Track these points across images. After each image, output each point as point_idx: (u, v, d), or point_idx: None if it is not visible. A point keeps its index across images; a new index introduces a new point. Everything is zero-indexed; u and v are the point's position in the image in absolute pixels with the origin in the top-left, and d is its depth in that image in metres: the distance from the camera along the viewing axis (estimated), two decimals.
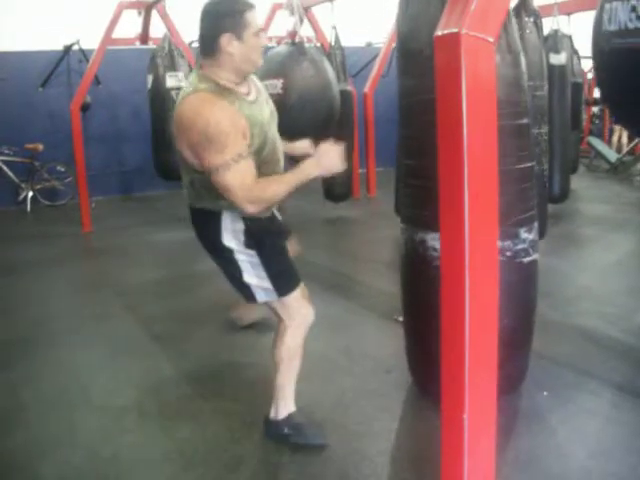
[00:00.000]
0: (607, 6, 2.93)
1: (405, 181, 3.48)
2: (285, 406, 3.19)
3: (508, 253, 3.22)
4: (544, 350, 3.88)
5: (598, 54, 3.18)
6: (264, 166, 2.79)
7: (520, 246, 3.26)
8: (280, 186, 2.71)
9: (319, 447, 3.14)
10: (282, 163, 2.99)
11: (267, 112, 2.89)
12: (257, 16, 2.71)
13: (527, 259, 3.32)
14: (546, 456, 3.03)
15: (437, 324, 2.05)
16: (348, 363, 4.13)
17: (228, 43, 2.63)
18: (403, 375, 3.78)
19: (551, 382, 3.69)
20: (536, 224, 3.39)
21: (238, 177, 2.59)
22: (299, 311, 3.06)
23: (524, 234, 3.27)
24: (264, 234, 2.93)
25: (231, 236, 2.87)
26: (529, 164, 3.31)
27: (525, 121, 3.27)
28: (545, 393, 3.58)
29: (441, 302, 2.00)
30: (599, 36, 3.07)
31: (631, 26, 2.76)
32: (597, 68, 3.32)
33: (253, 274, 2.92)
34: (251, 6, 2.69)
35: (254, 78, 2.93)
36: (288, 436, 3.18)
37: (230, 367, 4.12)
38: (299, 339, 3.09)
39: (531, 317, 3.53)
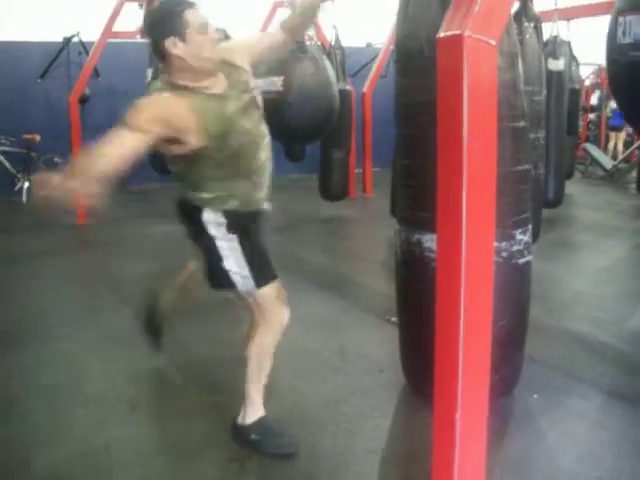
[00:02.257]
0: (621, 19, 2.96)
1: (402, 181, 3.49)
2: (253, 410, 3.12)
3: (504, 254, 3.24)
4: (535, 353, 3.89)
5: (613, 66, 3.21)
6: (236, 160, 2.83)
7: (516, 247, 3.29)
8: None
9: (286, 457, 3.08)
10: (263, 161, 2.97)
11: (235, 105, 2.84)
12: (198, 12, 2.69)
13: (522, 260, 3.35)
14: (535, 458, 3.05)
15: (433, 325, 2.06)
16: (341, 362, 4.15)
17: (173, 46, 2.65)
18: (396, 375, 3.79)
19: (542, 385, 3.71)
20: (530, 226, 3.42)
21: (110, 138, 2.51)
22: (271, 312, 3.03)
23: (520, 235, 3.30)
24: (244, 226, 2.94)
25: (213, 222, 2.88)
26: (526, 166, 3.33)
27: (522, 124, 3.28)
28: (535, 396, 3.60)
29: (436, 302, 2.02)
30: (613, 48, 3.10)
31: None
32: (612, 80, 3.35)
33: (232, 260, 2.90)
34: (190, 5, 2.69)
35: (221, 76, 2.88)
36: (255, 443, 3.11)
37: (224, 361, 4.12)
38: (270, 340, 3.05)
39: (525, 318, 3.55)
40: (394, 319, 4.22)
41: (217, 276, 3.00)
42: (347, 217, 9.31)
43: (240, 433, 3.15)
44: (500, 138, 3.05)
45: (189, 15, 2.65)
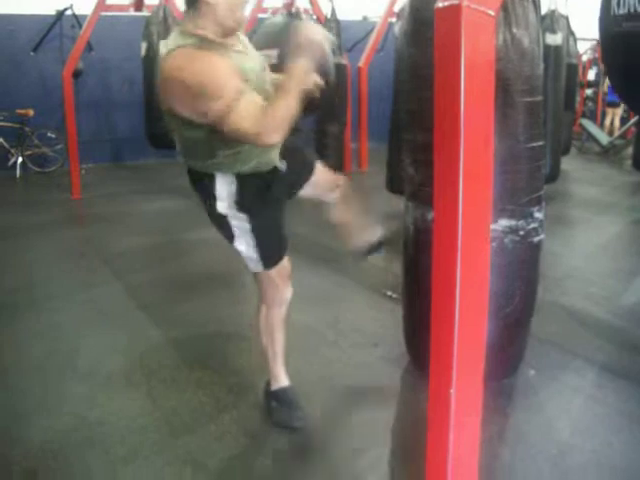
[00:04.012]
0: None
1: (414, 157, 3.37)
2: (275, 380, 3.20)
3: (521, 232, 3.17)
4: (531, 328, 3.90)
5: (606, 38, 3.17)
6: None
7: (532, 225, 3.21)
8: (285, 101, 2.51)
9: (295, 429, 3.10)
10: None
11: (259, 64, 2.81)
12: None
13: (537, 238, 3.28)
14: (530, 432, 3.06)
15: None
16: (335, 336, 4.14)
17: None
18: (391, 349, 3.80)
19: (537, 360, 3.71)
20: (544, 204, 3.33)
21: (244, 115, 2.45)
22: (274, 291, 3.04)
23: (536, 213, 3.22)
24: (256, 198, 2.84)
25: (225, 200, 2.79)
26: (541, 142, 3.23)
27: (539, 98, 3.21)
28: (532, 371, 3.61)
29: (432, 277, 2.00)
30: (608, 20, 3.05)
31: None
32: (605, 52, 3.31)
33: (243, 241, 2.87)
34: None
35: (243, 38, 2.80)
36: (272, 410, 3.19)
37: (218, 336, 4.13)
38: (274, 316, 3.08)
39: (535, 297, 3.52)
40: (390, 293, 4.22)
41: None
42: None
43: (266, 398, 3.27)
44: (518, 113, 2.98)
45: None
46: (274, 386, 3.21)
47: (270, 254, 2.94)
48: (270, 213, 2.95)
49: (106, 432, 3.11)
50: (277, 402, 3.18)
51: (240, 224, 2.84)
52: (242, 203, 2.80)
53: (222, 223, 2.88)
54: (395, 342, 3.74)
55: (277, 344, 3.13)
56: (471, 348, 2.00)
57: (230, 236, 2.90)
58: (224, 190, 2.78)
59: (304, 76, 2.60)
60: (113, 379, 3.63)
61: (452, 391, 1.96)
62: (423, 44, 3.22)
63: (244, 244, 2.88)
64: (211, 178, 2.78)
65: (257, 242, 2.87)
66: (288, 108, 2.50)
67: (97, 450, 2.98)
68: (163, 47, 2.67)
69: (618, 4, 2.89)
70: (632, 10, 2.79)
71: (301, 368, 3.66)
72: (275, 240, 2.98)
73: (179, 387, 3.54)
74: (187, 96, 2.47)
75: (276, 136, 2.50)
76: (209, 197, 2.82)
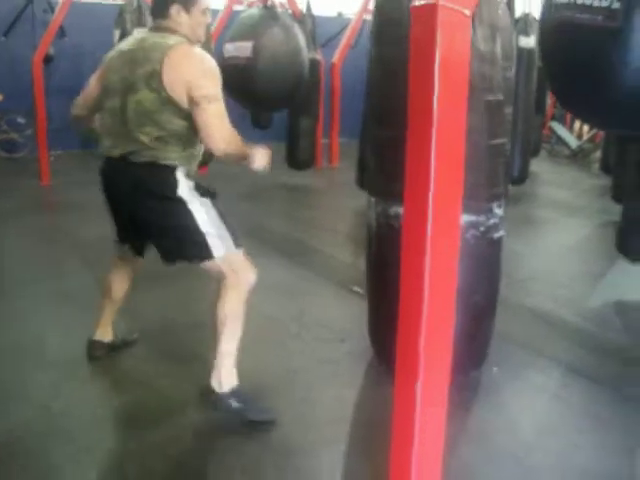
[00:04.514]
0: None
1: (379, 152, 3.39)
2: (229, 377, 3.09)
3: (482, 228, 3.21)
4: (496, 328, 3.93)
5: (544, 28, 3.20)
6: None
7: (492, 221, 3.25)
8: (239, 148, 2.92)
9: (268, 423, 3.08)
10: None
11: None
12: None
13: (497, 234, 3.33)
14: (495, 430, 3.10)
15: None
16: (301, 330, 4.15)
17: (177, 13, 3.01)
18: (357, 344, 3.81)
19: (501, 359, 3.74)
20: (504, 200, 3.39)
21: (222, 112, 2.87)
22: (242, 273, 3.07)
23: (496, 209, 3.27)
24: (208, 189, 3.11)
25: (185, 187, 3.01)
26: (502, 140, 3.29)
27: (499, 97, 3.25)
28: (495, 369, 3.64)
29: (401, 272, 2.01)
30: (548, 8, 3.08)
31: (579, 1, 2.79)
32: (542, 45, 3.34)
33: (209, 223, 3.00)
34: None
35: None
36: (237, 410, 3.08)
37: (184, 327, 4.12)
38: (241, 301, 3.05)
39: (497, 293, 3.56)
40: (356, 288, 4.23)
41: (189, 244, 3.02)
42: (312, 186, 9.30)
43: (220, 400, 3.10)
44: (477, 111, 3.02)
45: None
46: (229, 384, 3.08)
47: (236, 231, 3.10)
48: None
49: (70, 422, 3.09)
50: (240, 401, 3.08)
51: (203, 208, 3.03)
52: (202, 191, 3.07)
53: (181, 211, 3.00)
54: (360, 337, 3.75)
55: (236, 337, 3.07)
56: (438, 342, 2.01)
57: (192, 222, 2.99)
58: (184, 180, 3.03)
59: (259, 159, 2.96)
60: (78, 369, 3.60)
61: (418, 385, 1.97)
62: (391, 42, 3.24)
63: (211, 224, 3.02)
64: (174, 170, 3.02)
65: (224, 220, 3.06)
66: (235, 149, 2.91)
67: (61, 440, 2.96)
68: (138, 36, 2.91)
69: None
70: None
71: (265, 361, 3.67)
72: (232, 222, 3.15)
73: (145, 378, 3.52)
74: (200, 69, 2.90)
75: (223, 146, 2.87)
76: (170, 184, 3.00)
